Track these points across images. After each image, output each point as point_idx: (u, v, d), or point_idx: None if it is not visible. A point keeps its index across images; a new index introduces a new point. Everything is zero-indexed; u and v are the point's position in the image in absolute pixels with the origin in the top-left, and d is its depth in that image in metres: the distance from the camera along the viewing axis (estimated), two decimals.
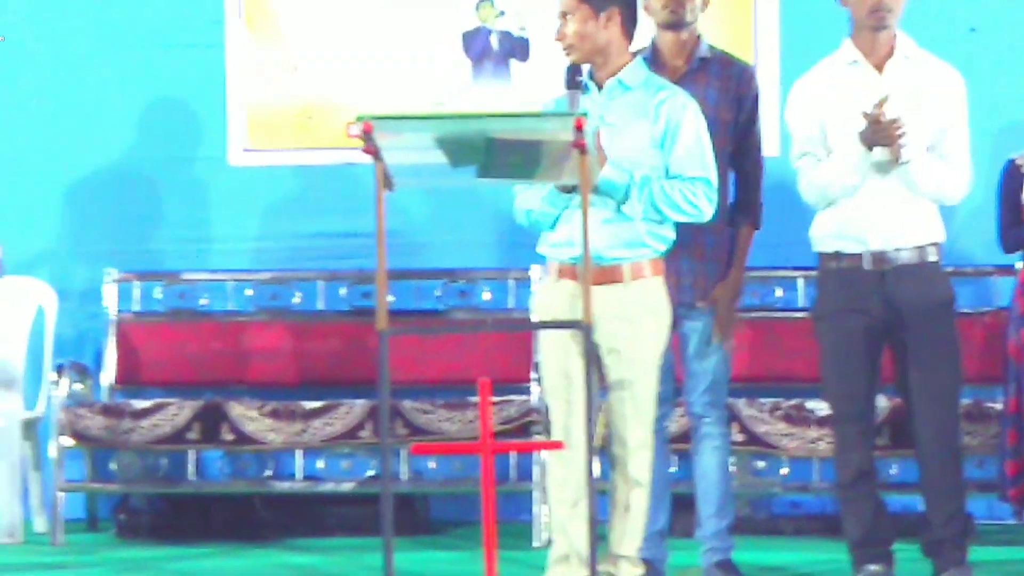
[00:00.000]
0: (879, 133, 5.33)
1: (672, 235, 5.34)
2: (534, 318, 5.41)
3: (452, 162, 4.77)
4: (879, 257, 5.47)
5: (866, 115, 5.34)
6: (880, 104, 5.32)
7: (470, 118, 5.12)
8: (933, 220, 5.52)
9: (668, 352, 5.51)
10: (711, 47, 5.98)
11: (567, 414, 5.23)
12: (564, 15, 5.26)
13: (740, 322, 6.05)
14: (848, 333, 5.53)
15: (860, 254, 5.48)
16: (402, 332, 7.09)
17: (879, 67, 5.52)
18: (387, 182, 4.78)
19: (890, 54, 5.53)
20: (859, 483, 5.63)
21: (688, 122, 5.33)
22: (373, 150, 4.70)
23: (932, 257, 5.52)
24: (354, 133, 4.68)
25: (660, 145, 5.28)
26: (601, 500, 5.29)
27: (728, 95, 5.91)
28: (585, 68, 5.33)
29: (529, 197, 5.28)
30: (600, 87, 5.32)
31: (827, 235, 5.55)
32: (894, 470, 6.87)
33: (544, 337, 5.32)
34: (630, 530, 5.33)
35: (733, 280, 5.95)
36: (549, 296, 5.35)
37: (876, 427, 5.87)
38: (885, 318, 5.49)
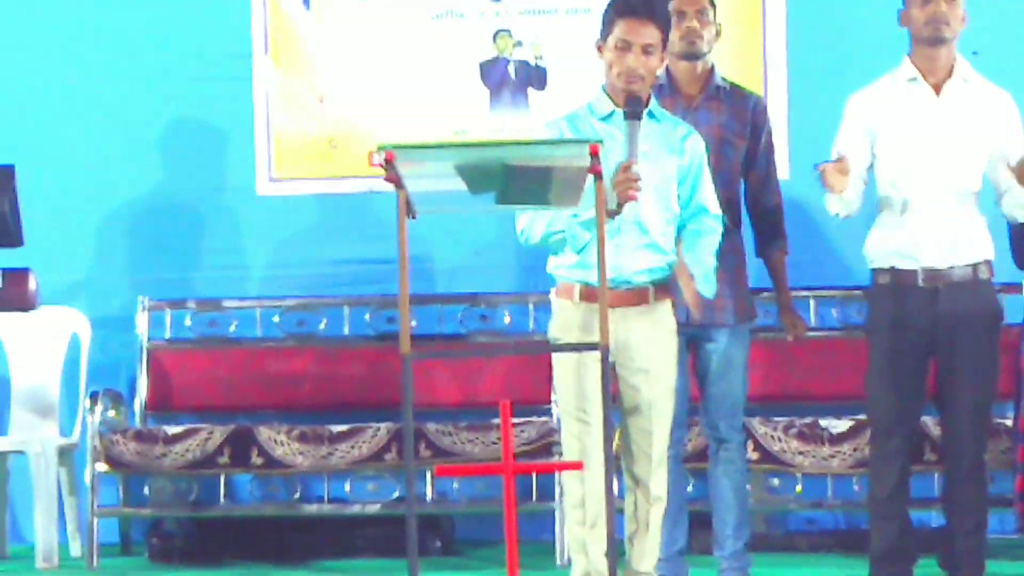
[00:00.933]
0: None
1: (675, 259, 5.34)
2: (554, 342, 5.39)
3: (471, 189, 4.74)
4: (933, 274, 5.48)
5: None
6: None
7: (488, 146, 5.11)
8: (984, 237, 5.54)
9: (683, 373, 5.51)
10: (723, 78, 6.02)
11: (585, 434, 5.20)
12: (646, 49, 5.17)
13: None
14: (899, 348, 5.53)
15: (915, 270, 5.49)
16: (425, 356, 7.11)
17: (937, 88, 5.52)
18: (409, 210, 4.76)
19: (949, 76, 5.52)
20: (893, 499, 5.61)
21: (705, 161, 5.38)
22: (395, 178, 4.67)
23: (983, 274, 5.54)
24: (376, 162, 4.66)
25: (682, 177, 5.30)
26: (620, 517, 5.26)
27: (742, 123, 5.98)
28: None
29: (550, 218, 5.25)
30: None
31: (882, 252, 5.57)
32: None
33: (559, 358, 5.31)
34: (649, 548, 5.31)
35: (788, 299, 6.18)
36: (572, 316, 5.30)
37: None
38: (934, 333, 5.48)
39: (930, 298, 5.49)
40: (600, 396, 4.85)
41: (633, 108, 5.12)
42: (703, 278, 5.22)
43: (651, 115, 5.30)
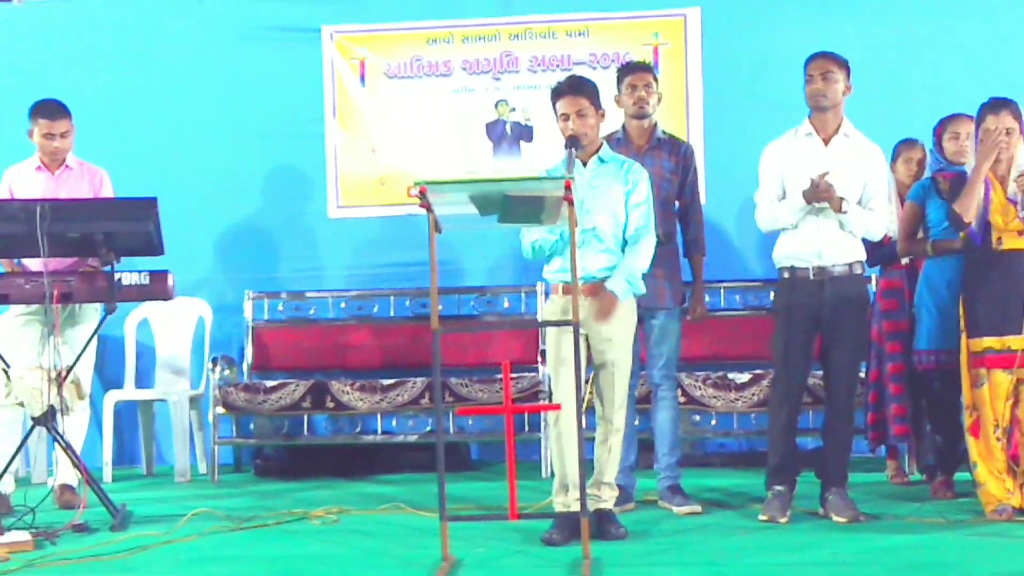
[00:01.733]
0: (816, 194, 5.34)
1: None
2: (543, 319, 5.39)
3: (480, 212, 4.73)
4: (820, 271, 5.46)
5: (812, 179, 5.33)
6: (821, 176, 5.32)
7: (492, 182, 5.08)
8: (858, 245, 5.52)
9: (636, 340, 5.49)
10: (663, 131, 6.00)
11: (561, 385, 5.18)
12: (579, 113, 5.20)
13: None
14: (795, 322, 5.51)
15: (807, 268, 5.47)
16: (449, 331, 7.09)
17: (827, 141, 5.50)
18: (437, 227, 4.75)
19: (836, 132, 5.50)
20: (785, 430, 5.57)
21: (646, 187, 5.33)
22: (427, 205, 4.66)
23: (857, 270, 5.51)
24: (414, 193, 4.64)
25: (627, 197, 5.27)
26: (588, 444, 5.23)
27: (677, 164, 5.98)
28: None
29: (533, 233, 5.25)
30: (584, 163, 5.28)
31: (784, 255, 5.55)
32: None
33: (549, 332, 5.28)
34: (610, 464, 5.29)
35: (700, 292, 6.11)
36: (555, 305, 5.30)
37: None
38: (821, 313, 5.47)
39: (818, 288, 5.46)
40: (573, 358, 4.83)
41: (572, 142, 5.16)
42: (628, 280, 5.21)
43: (601, 160, 5.31)
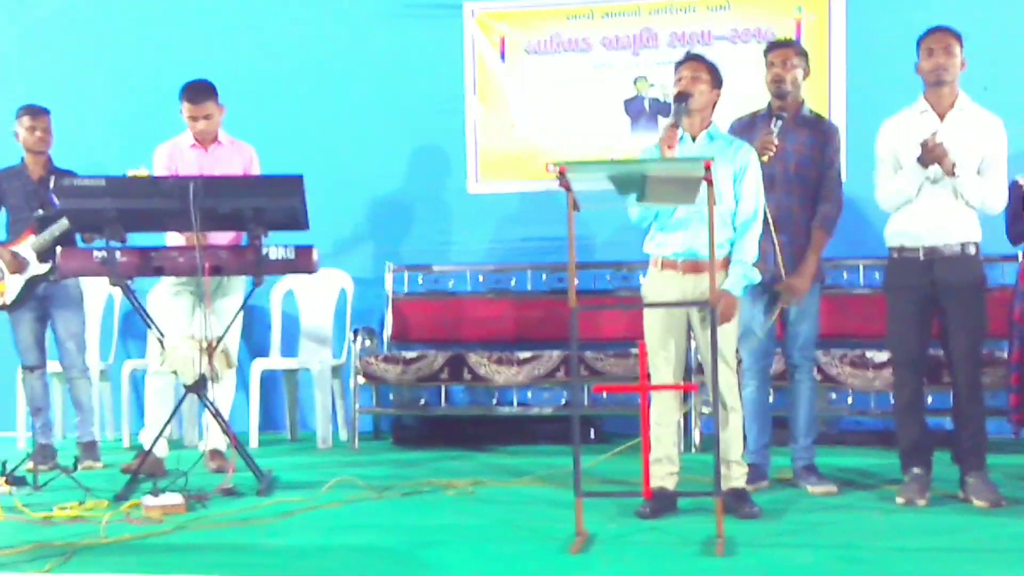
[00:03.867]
0: (928, 154, 5.24)
1: (733, 235, 5.23)
2: (644, 297, 5.32)
3: (619, 191, 4.72)
4: (930, 250, 5.35)
5: (923, 142, 5.25)
6: (932, 136, 5.22)
7: (633, 162, 5.06)
8: (972, 224, 5.38)
9: (772, 319, 5.40)
10: (809, 109, 5.91)
11: (666, 363, 5.22)
12: (693, 77, 5.21)
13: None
14: (906, 302, 5.41)
15: (917, 248, 5.37)
16: (585, 309, 7.09)
17: (942, 116, 5.39)
18: (575, 205, 4.74)
19: (951, 107, 5.38)
20: (910, 409, 5.47)
21: (753, 166, 5.25)
22: (566, 184, 4.66)
23: (971, 251, 5.37)
24: (552, 172, 4.65)
25: (735, 177, 5.21)
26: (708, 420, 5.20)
27: (819, 141, 5.83)
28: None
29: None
30: (694, 138, 5.25)
31: (895, 234, 5.46)
32: (929, 400, 6.66)
33: (651, 311, 5.23)
34: (733, 443, 5.22)
35: (806, 266, 5.75)
36: (655, 281, 5.28)
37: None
38: (933, 293, 5.36)
39: (927, 268, 5.36)
40: (685, 338, 4.80)
41: (681, 97, 5.19)
42: (741, 276, 5.16)
43: (710, 136, 5.28)
